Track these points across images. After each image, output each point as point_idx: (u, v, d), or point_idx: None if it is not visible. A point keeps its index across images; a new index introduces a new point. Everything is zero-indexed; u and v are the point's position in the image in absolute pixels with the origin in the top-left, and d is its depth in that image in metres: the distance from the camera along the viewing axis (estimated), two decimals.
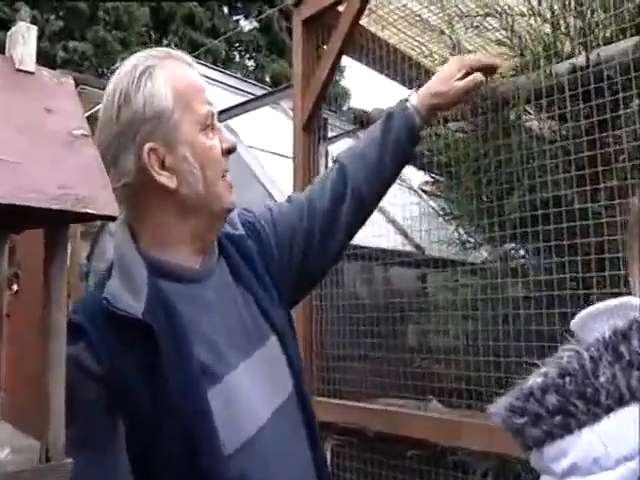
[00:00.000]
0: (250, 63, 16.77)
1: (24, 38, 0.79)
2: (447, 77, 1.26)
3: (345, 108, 2.10)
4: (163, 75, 0.98)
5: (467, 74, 1.27)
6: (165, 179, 0.97)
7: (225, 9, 16.51)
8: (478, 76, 1.27)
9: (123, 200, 0.98)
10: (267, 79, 15.07)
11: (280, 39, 15.81)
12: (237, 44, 16.59)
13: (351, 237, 1.26)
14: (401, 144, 1.21)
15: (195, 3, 14.62)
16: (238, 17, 17.21)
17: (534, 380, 0.57)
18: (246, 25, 16.59)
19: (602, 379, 0.52)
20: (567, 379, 0.54)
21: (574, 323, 0.62)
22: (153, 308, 0.91)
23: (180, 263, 1.01)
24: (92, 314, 0.91)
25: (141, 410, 0.88)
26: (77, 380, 0.85)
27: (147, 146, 0.95)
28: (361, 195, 1.19)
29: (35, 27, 0.81)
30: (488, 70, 1.35)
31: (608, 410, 0.51)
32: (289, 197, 1.25)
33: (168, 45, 15.11)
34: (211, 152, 1.01)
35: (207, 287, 1.03)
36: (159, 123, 0.96)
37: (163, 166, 0.97)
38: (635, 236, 0.63)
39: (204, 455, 0.88)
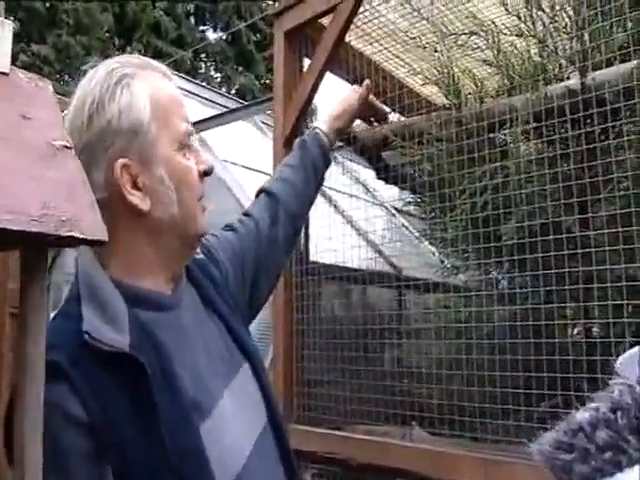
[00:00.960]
0: (216, 75, 16.63)
1: None
2: (345, 100, 1.42)
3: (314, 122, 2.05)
4: (142, 85, 0.90)
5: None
6: (137, 200, 0.88)
7: (192, 19, 16.37)
8: (366, 84, 1.44)
9: None
10: (233, 91, 14.96)
11: (248, 51, 15.75)
12: (203, 55, 16.46)
13: (289, 254, 1.34)
14: (318, 166, 1.34)
15: (161, 12, 14.44)
16: (205, 28, 17.08)
17: (582, 415, 0.56)
18: (212, 36, 16.48)
19: None
20: (619, 413, 0.52)
21: (618, 365, 0.61)
22: (138, 340, 0.83)
23: (154, 289, 0.93)
24: (69, 350, 0.80)
25: (131, 453, 0.80)
26: (62, 429, 0.77)
27: (120, 162, 0.87)
28: (294, 215, 1.28)
29: (11, 22, 0.72)
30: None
31: None
32: (231, 225, 1.22)
33: (132, 53, 14.86)
34: (188, 174, 0.94)
35: (181, 314, 0.96)
36: (135, 137, 0.88)
37: (135, 185, 0.88)
38: None
39: None
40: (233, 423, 0.93)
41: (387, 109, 1.64)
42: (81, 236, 0.61)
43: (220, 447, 0.87)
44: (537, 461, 0.58)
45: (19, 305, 0.63)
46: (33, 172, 0.64)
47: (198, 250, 1.07)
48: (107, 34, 14.20)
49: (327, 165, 1.38)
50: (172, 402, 0.83)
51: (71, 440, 0.78)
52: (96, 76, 0.90)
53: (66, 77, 12.57)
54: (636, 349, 0.60)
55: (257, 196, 1.29)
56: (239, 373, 0.99)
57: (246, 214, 1.24)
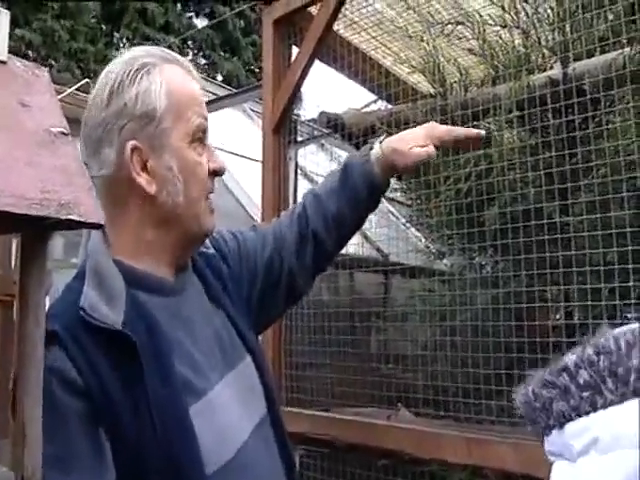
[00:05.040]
0: (203, 61, 16.52)
1: None
2: (410, 139, 1.15)
3: (301, 110, 2.06)
4: (161, 76, 0.93)
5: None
6: (144, 182, 0.91)
7: (178, 6, 16.21)
8: (432, 151, 1.14)
9: (99, 194, 0.91)
10: (219, 78, 14.87)
11: (234, 38, 15.65)
12: (190, 41, 16.33)
13: (314, 277, 1.23)
14: (359, 194, 1.15)
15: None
16: (191, 14, 16.93)
17: (569, 357, 0.58)
18: (199, 22, 16.37)
19: (635, 362, 0.52)
20: (602, 357, 0.54)
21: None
22: (132, 320, 0.86)
23: (155, 274, 0.96)
24: (67, 322, 0.84)
25: (123, 424, 0.82)
26: (60, 390, 0.80)
27: (131, 143, 0.90)
28: (322, 242, 1.16)
29: (7, 11, 0.74)
30: (463, 142, 1.18)
31: (636, 393, 0.51)
32: (254, 227, 1.21)
33: (120, 39, 14.72)
34: (197, 169, 0.96)
35: (183, 301, 0.99)
36: (148, 124, 0.91)
37: (144, 168, 0.91)
38: None
39: (186, 475, 0.84)
40: (228, 410, 0.95)
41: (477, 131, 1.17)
42: (79, 219, 0.64)
43: (211, 429, 0.89)
44: (518, 406, 0.60)
45: (19, 287, 0.66)
46: (32, 158, 0.66)
47: (209, 245, 1.08)
48: (94, 20, 14.03)
49: (373, 195, 1.16)
50: (162, 380, 0.85)
51: (68, 401, 0.80)
52: (121, 60, 0.94)
53: (52, 62, 12.41)
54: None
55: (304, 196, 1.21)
56: (240, 366, 1.02)
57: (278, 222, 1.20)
